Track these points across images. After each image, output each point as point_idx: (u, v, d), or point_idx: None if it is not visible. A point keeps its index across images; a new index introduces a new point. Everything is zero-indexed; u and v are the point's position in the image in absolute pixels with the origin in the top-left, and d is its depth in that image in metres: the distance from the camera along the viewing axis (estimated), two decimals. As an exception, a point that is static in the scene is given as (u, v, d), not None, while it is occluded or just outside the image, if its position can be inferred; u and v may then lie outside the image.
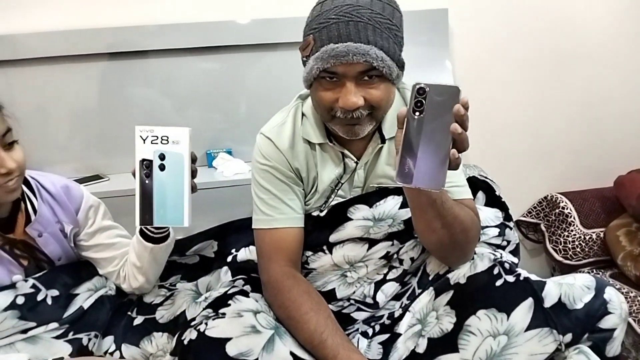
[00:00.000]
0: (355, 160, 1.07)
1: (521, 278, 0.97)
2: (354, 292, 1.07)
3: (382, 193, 1.08)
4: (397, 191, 1.08)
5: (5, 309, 0.97)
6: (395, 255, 1.09)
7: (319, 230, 1.08)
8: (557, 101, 1.93)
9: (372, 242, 1.08)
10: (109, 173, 1.75)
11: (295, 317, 0.96)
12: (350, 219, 1.07)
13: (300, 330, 0.95)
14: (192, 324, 1.00)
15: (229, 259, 1.19)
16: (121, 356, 1.07)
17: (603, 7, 1.87)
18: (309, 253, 1.10)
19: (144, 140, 0.86)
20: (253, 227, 1.08)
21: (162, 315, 1.14)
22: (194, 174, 0.91)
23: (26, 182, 1.03)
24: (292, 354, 0.94)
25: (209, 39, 1.73)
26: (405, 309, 1.03)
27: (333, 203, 1.09)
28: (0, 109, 0.94)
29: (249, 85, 1.82)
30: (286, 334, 0.97)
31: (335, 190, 1.09)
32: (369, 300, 1.06)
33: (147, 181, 0.86)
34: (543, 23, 1.84)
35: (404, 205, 1.07)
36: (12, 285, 1.00)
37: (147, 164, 0.86)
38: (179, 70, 1.77)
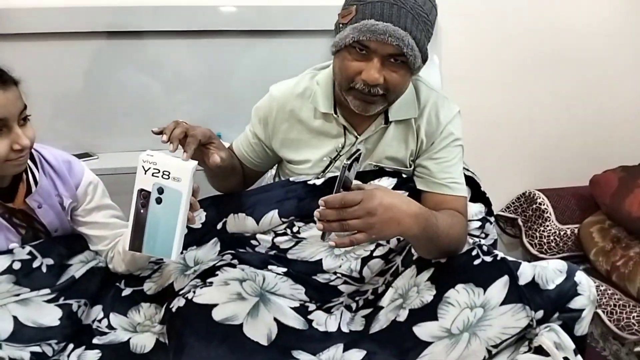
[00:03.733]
0: (356, 135, 1.12)
1: (498, 258, 1.02)
2: (340, 266, 1.10)
3: (378, 173, 1.13)
4: (393, 173, 1.13)
5: (2, 273, 0.99)
6: None
7: (312, 198, 1.11)
8: (538, 102, 2.01)
9: None
10: (98, 152, 1.76)
11: None
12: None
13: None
14: (180, 292, 1.03)
15: (219, 226, 1.20)
16: (109, 324, 1.09)
17: (588, 11, 1.95)
18: (300, 223, 1.12)
19: (146, 171, 0.84)
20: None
21: (150, 287, 1.16)
22: (193, 206, 0.90)
23: (29, 154, 1.04)
24: (275, 320, 0.98)
25: (202, 22, 1.75)
26: (388, 285, 1.07)
27: (329, 175, 1.13)
28: (17, 84, 0.95)
29: (240, 71, 1.84)
30: (270, 301, 1.01)
31: (333, 162, 1.13)
32: (355, 275, 1.09)
33: (142, 211, 0.85)
34: (529, 25, 1.91)
35: (396, 187, 1.11)
36: (9, 251, 1.01)
37: (144, 195, 0.85)
38: (171, 54, 1.79)
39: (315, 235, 1.11)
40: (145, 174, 0.84)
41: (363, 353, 0.96)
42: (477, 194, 1.34)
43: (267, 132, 1.18)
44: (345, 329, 1.02)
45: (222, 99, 1.86)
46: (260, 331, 0.96)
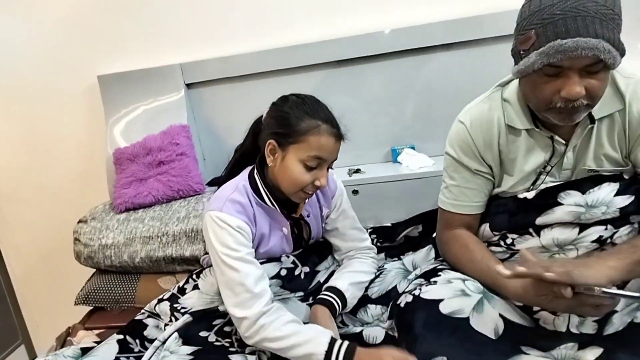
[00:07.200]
0: (564, 142, 1.07)
1: None
2: None
3: (596, 179, 1.07)
4: (613, 178, 1.07)
5: (272, 277, 1.19)
6: (608, 240, 1.07)
7: (524, 213, 1.10)
8: None
9: (583, 226, 1.07)
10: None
11: (460, 265, 1.15)
12: (561, 204, 1.07)
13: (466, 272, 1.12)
14: (406, 291, 1.13)
15: (434, 235, 1.28)
16: (342, 320, 1.24)
17: None
18: (514, 236, 1.12)
19: None
20: (438, 202, 1.22)
21: (374, 291, 1.27)
22: None
23: None
24: (501, 315, 1.01)
25: (390, 44, 1.86)
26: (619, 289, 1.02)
27: (542, 186, 1.10)
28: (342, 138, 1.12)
29: (430, 85, 1.91)
30: (494, 298, 1.04)
31: (544, 173, 1.10)
32: None
33: None
34: None
35: (620, 192, 1.05)
36: (278, 259, 1.21)
37: None
38: (366, 77, 1.94)
39: (531, 247, 1.10)
40: None
41: (600, 350, 0.93)
42: None
43: (481, 161, 1.15)
44: (574, 331, 1.01)
45: (413, 113, 1.95)
46: (487, 325, 0.99)
